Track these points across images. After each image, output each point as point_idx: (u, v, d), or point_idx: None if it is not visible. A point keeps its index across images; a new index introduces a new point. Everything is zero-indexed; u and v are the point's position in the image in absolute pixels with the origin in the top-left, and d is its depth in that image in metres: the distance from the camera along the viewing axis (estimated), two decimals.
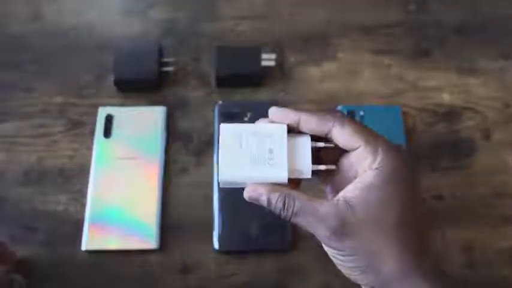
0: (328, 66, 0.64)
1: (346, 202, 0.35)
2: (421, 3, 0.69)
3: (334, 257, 0.36)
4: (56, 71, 0.64)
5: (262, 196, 0.36)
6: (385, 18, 0.68)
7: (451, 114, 0.61)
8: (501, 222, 0.56)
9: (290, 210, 0.36)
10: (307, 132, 0.37)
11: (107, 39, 0.66)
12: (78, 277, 0.53)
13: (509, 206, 0.56)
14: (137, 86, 0.62)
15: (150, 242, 0.54)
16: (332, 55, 0.65)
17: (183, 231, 0.55)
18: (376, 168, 0.35)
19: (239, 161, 0.36)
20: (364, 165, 0.35)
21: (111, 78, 0.61)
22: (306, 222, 0.35)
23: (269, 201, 0.36)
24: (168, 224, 0.55)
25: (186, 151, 0.59)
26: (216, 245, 0.54)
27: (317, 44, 0.66)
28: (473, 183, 0.58)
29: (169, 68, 0.62)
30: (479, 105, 0.62)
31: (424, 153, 0.59)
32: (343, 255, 0.35)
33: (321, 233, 0.35)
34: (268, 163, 0.36)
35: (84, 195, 0.56)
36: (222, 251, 0.54)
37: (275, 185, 0.36)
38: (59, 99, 0.62)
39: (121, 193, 0.56)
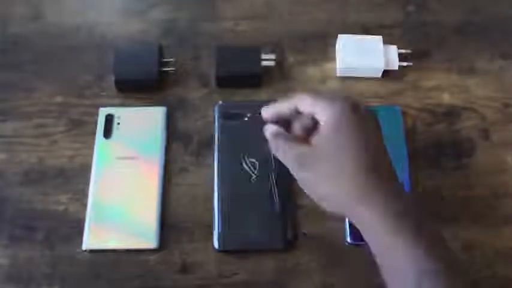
0: (328, 66, 0.64)
1: (311, 143, 0.45)
2: (420, 3, 0.69)
3: (304, 187, 0.45)
4: (56, 71, 0.64)
5: (266, 132, 0.48)
6: (385, 18, 0.68)
7: (450, 114, 0.61)
8: (501, 222, 0.56)
9: (273, 144, 0.47)
10: (286, 116, 0.48)
11: (107, 39, 0.66)
12: (78, 277, 0.53)
13: (509, 206, 0.57)
14: (137, 86, 0.62)
15: (150, 241, 0.54)
16: (332, 55, 0.65)
17: (183, 231, 0.55)
18: (328, 117, 0.44)
19: None
20: (321, 122, 0.44)
21: (111, 78, 0.61)
22: (281, 156, 0.46)
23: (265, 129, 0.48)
24: (168, 224, 0.55)
25: (186, 151, 0.59)
26: (216, 245, 0.54)
27: (317, 44, 0.66)
28: (473, 183, 0.58)
29: (169, 68, 0.62)
30: (479, 105, 0.62)
31: (424, 153, 0.59)
32: (307, 184, 0.45)
33: (288, 164, 0.46)
34: None
35: (84, 195, 0.56)
36: (222, 251, 0.54)
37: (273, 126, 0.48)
38: (59, 99, 0.62)
39: (121, 193, 0.56)
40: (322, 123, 0.44)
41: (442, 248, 0.41)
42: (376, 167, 0.43)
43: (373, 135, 0.44)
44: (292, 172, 0.46)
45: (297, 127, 0.47)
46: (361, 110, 0.44)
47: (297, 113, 0.47)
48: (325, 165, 0.43)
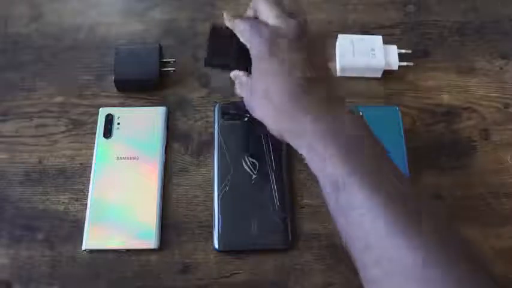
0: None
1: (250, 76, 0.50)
2: (420, 3, 0.69)
3: (253, 113, 0.50)
4: (56, 71, 0.64)
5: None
6: (385, 18, 0.68)
7: (450, 114, 0.62)
8: (501, 222, 0.56)
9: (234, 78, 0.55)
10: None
11: (107, 39, 0.66)
12: (78, 277, 0.53)
13: (509, 206, 0.57)
14: (137, 86, 0.62)
15: (150, 242, 0.54)
16: (332, 55, 0.65)
17: (183, 231, 0.55)
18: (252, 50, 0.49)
19: None
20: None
21: (111, 78, 0.61)
22: (238, 91, 0.53)
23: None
24: (168, 224, 0.55)
25: (186, 151, 0.59)
26: (216, 245, 0.54)
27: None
28: (473, 183, 0.58)
29: (169, 68, 0.62)
30: (478, 105, 0.62)
31: (424, 153, 0.59)
32: (255, 112, 0.49)
33: (241, 94, 0.53)
34: None
35: (84, 195, 0.56)
36: (222, 251, 0.54)
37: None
38: (59, 99, 0.62)
39: (121, 193, 0.56)
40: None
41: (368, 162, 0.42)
42: (305, 91, 0.46)
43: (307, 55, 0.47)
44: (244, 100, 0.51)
45: None
46: (303, 37, 0.48)
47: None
48: (257, 91, 0.48)
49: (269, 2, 0.50)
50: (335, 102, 0.46)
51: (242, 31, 0.50)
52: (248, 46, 0.49)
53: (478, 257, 0.39)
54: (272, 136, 0.49)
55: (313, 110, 0.45)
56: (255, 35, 0.48)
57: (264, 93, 0.47)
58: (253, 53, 0.49)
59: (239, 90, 0.53)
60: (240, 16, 0.53)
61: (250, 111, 0.50)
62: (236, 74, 0.54)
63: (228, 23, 0.53)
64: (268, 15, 0.49)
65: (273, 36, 0.47)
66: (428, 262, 0.36)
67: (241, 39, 0.51)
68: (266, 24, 0.49)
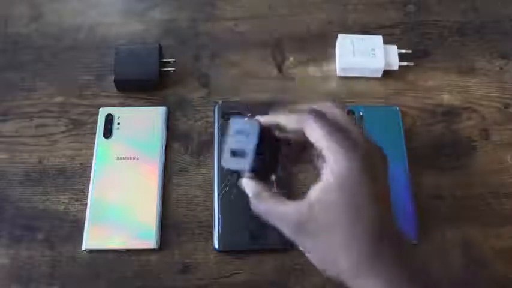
0: (328, 66, 0.64)
1: (310, 204, 0.38)
2: (420, 3, 0.69)
3: (303, 252, 0.40)
4: (56, 71, 0.64)
5: (247, 189, 0.42)
6: (385, 18, 0.68)
7: (450, 114, 0.62)
8: (501, 222, 0.56)
9: (259, 208, 0.41)
10: (287, 131, 0.41)
11: (107, 39, 0.66)
12: (78, 277, 0.53)
13: (509, 206, 0.57)
14: (137, 86, 0.62)
15: (150, 242, 0.54)
16: (332, 55, 0.65)
17: (183, 231, 0.55)
18: (333, 172, 0.37)
19: None
20: (325, 167, 0.38)
21: (111, 78, 0.61)
22: (273, 221, 0.40)
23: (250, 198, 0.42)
24: (168, 224, 0.55)
25: (186, 151, 0.59)
26: (216, 245, 0.54)
27: (317, 44, 0.66)
28: (473, 183, 0.58)
29: (169, 68, 0.62)
30: (478, 105, 0.62)
31: (424, 154, 0.59)
32: (306, 252, 0.40)
33: (286, 231, 0.39)
34: None
35: (84, 195, 0.56)
36: (222, 251, 0.54)
37: (254, 183, 0.42)
38: (59, 99, 0.62)
39: (121, 193, 0.56)
40: (327, 170, 0.38)
41: None
42: (383, 234, 0.38)
43: (383, 197, 0.39)
44: (287, 234, 0.40)
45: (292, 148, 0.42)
46: (375, 159, 0.39)
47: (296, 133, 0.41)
48: (328, 231, 0.38)
49: (323, 122, 0.39)
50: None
51: (325, 140, 0.38)
52: (326, 158, 0.38)
53: None
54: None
55: (399, 271, 0.38)
56: (347, 145, 0.38)
57: (346, 237, 0.37)
58: (335, 168, 0.38)
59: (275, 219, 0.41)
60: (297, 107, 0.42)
61: (306, 249, 0.40)
62: (258, 190, 0.41)
63: (285, 118, 0.41)
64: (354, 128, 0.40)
65: (370, 155, 0.38)
66: None
67: (313, 141, 0.39)
68: (351, 136, 0.39)
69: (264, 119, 0.42)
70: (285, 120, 0.41)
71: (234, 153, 0.42)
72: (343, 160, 0.37)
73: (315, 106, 0.41)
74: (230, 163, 0.42)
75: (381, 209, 0.38)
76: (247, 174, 0.42)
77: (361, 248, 0.37)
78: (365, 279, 0.37)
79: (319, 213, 0.38)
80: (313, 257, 0.39)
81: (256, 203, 0.41)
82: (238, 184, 0.43)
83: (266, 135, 0.42)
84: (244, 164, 0.41)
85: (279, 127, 0.41)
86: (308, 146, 0.40)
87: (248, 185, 0.42)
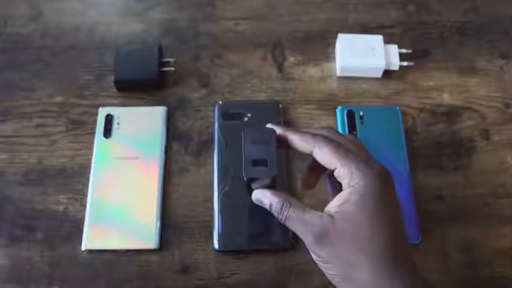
0: (328, 66, 0.64)
1: (329, 215, 0.40)
2: (421, 3, 0.69)
3: (318, 263, 0.42)
4: (56, 71, 0.64)
5: (266, 199, 0.44)
6: (385, 18, 0.68)
7: (450, 114, 0.61)
8: (501, 222, 0.56)
9: (284, 214, 0.42)
10: (293, 148, 0.44)
11: (107, 39, 0.66)
12: (78, 277, 0.53)
13: (509, 206, 0.56)
14: (137, 86, 0.62)
15: (150, 242, 0.54)
16: (332, 55, 0.65)
17: (183, 231, 0.55)
18: (351, 186, 0.40)
19: None
20: (343, 184, 0.41)
21: (111, 78, 0.61)
22: (295, 227, 0.42)
23: (270, 204, 0.43)
24: (168, 224, 0.55)
25: (186, 151, 0.59)
26: (216, 245, 0.54)
27: (317, 44, 0.66)
28: (473, 183, 0.58)
29: (169, 68, 0.62)
30: (479, 105, 0.62)
31: (424, 153, 0.59)
32: (323, 262, 0.41)
33: (306, 238, 0.41)
34: None
35: (84, 195, 0.56)
36: (222, 251, 0.54)
37: (278, 192, 0.44)
38: (59, 99, 0.62)
39: (121, 193, 0.56)
40: (346, 188, 0.40)
41: None
42: (399, 248, 0.40)
43: (399, 218, 0.41)
44: (307, 242, 0.41)
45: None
46: (385, 176, 0.41)
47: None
48: (349, 244, 0.39)
49: (336, 147, 0.42)
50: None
51: (331, 155, 0.41)
52: (342, 176, 0.41)
53: None
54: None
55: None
56: (362, 166, 0.40)
57: (365, 254, 0.39)
58: (354, 185, 0.40)
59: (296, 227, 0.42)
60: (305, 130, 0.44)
61: (322, 261, 0.41)
62: (279, 206, 0.43)
63: (298, 138, 0.43)
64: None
65: (382, 172, 0.41)
66: None
67: (326, 164, 0.42)
68: (361, 155, 0.42)
69: (276, 130, 0.44)
70: (294, 138, 0.43)
71: (256, 163, 0.43)
72: (361, 178, 0.40)
73: (320, 131, 0.44)
74: (253, 172, 0.43)
75: (398, 224, 0.41)
76: (267, 181, 0.44)
77: (379, 261, 0.39)
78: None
79: (341, 226, 0.40)
80: (330, 267, 0.41)
81: (283, 208, 0.42)
82: (255, 197, 0.45)
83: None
84: (268, 172, 0.43)
85: (288, 143, 0.44)
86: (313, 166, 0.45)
87: (267, 194, 0.44)
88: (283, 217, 0.42)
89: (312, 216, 0.41)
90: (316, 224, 0.40)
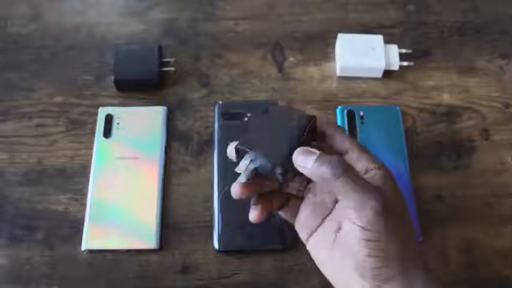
0: (328, 66, 0.64)
1: (379, 187, 0.38)
2: (421, 3, 0.69)
3: (366, 248, 0.37)
4: (56, 71, 0.64)
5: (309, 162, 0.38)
6: (385, 18, 0.68)
7: (450, 114, 0.61)
8: (501, 222, 0.56)
9: (343, 167, 0.37)
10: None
11: (107, 39, 0.66)
12: (78, 277, 0.53)
13: (509, 206, 0.56)
14: (137, 86, 0.62)
15: (150, 242, 0.54)
16: (332, 55, 0.65)
17: (183, 231, 0.55)
18: (379, 168, 0.39)
19: None
20: (364, 166, 0.40)
21: (111, 78, 0.61)
22: (356, 189, 0.37)
23: (320, 160, 0.37)
24: (168, 224, 0.55)
25: (186, 151, 0.59)
26: (216, 245, 0.54)
27: (317, 44, 0.66)
28: (473, 183, 0.58)
29: (169, 68, 0.62)
30: (479, 105, 0.62)
31: (424, 153, 0.59)
32: (378, 239, 0.36)
33: (368, 204, 0.36)
34: None
35: (84, 195, 0.56)
36: (222, 251, 0.54)
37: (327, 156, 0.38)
38: (59, 99, 0.62)
39: (121, 193, 0.56)
40: (375, 169, 0.39)
41: None
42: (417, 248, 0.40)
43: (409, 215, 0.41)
44: (367, 215, 0.37)
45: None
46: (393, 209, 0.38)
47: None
48: (401, 219, 0.39)
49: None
50: None
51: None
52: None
53: None
54: None
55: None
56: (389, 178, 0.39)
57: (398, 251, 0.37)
58: (384, 170, 0.39)
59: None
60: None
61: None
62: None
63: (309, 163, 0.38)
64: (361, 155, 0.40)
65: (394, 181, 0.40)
66: None
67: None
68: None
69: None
70: (305, 163, 0.38)
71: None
72: (382, 164, 0.39)
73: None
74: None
75: (412, 227, 0.40)
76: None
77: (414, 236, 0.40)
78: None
79: (392, 199, 0.38)
80: (382, 244, 0.37)
81: (341, 162, 0.37)
82: (296, 155, 0.39)
83: None
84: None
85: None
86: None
87: (311, 153, 0.38)
88: (339, 171, 0.37)
89: (369, 184, 0.37)
90: (377, 193, 0.37)
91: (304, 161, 0.38)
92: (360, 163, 0.40)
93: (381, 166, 0.40)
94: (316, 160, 0.37)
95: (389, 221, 0.37)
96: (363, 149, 0.41)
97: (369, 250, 0.37)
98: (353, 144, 0.40)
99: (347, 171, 0.37)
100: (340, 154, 0.40)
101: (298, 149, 0.39)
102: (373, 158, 0.40)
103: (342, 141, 0.41)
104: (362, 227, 0.36)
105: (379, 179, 0.39)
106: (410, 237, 0.39)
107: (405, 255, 0.37)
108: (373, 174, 0.39)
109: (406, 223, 0.39)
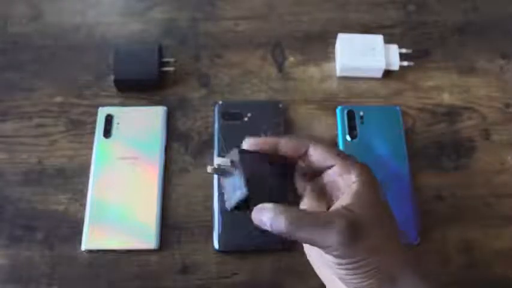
0: (328, 66, 0.64)
1: (346, 208, 0.37)
2: (421, 3, 0.69)
3: (342, 269, 0.37)
4: (56, 71, 0.64)
5: (264, 218, 0.38)
6: (385, 18, 0.68)
7: (451, 114, 0.61)
8: (501, 222, 0.56)
9: (292, 226, 0.36)
10: (285, 154, 0.41)
11: (107, 39, 0.66)
12: (78, 277, 0.53)
13: (509, 206, 0.56)
14: (137, 86, 0.62)
15: (150, 242, 0.54)
16: (332, 55, 0.65)
17: (183, 231, 0.55)
18: (359, 179, 0.39)
19: None
20: (345, 180, 0.39)
21: (111, 78, 0.61)
22: (311, 234, 0.36)
23: (271, 224, 0.37)
24: (168, 224, 0.55)
25: (186, 151, 0.59)
26: (216, 245, 0.54)
27: (317, 44, 0.66)
28: (473, 183, 0.58)
29: (169, 68, 0.62)
30: (479, 105, 0.62)
31: (424, 154, 0.59)
32: (354, 262, 0.36)
33: (331, 240, 0.36)
34: None
35: (84, 195, 0.56)
36: (222, 251, 0.54)
37: (275, 206, 0.38)
38: (59, 99, 0.62)
39: (121, 193, 0.56)
40: (352, 183, 0.39)
41: None
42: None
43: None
44: (335, 249, 0.36)
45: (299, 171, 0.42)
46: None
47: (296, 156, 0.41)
48: (380, 236, 0.37)
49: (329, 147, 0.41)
50: None
51: (327, 152, 0.40)
52: (345, 170, 0.39)
53: None
54: None
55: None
56: (357, 162, 0.40)
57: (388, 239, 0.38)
58: (360, 177, 0.39)
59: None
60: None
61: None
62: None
63: (289, 142, 0.41)
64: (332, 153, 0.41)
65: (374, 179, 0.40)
66: None
67: (321, 162, 0.40)
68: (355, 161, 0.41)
69: (263, 141, 0.41)
70: (286, 141, 0.41)
71: (230, 191, 0.39)
72: (363, 170, 0.39)
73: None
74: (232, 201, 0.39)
75: (394, 229, 0.40)
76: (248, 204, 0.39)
77: (400, 245, 0.39)
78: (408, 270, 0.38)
79: (361, 214, 0.37)
80: (367, 263, 0.37)
81: (286, 220, 0.37)
82: (253, 218, 0.39)
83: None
84: (240, 194, 0.38)
85: (277, 150, 0.41)
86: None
87: (265, 209, 0.38)
88: (290, 229, 0.36)
89: (328, 215, 0.37)
90: (338, 220, 0.36)
91: (261, 221, 0.38)
92: (342, 177, 0.40)
93: (359, 174, 0.39)
94: (271, 218, 0.37)
95: (361, 240, 0.36)
96: (344, 161, 0.40)
97: (345, 271, 0.37)
98: (335, 158, 0.40)
99: (297, 223, 0.36)
100: (326, 168, 0.41)
101: (254, 209, 0.38)
102: (352, 169, 0.39)
103: (325, 159, 0.40)
104: (333, 256, 0.37)
105: (354, 194, 0.38)
106: (392, 244, 0.38)
107: (388, 266, 0.37)
108: (350, 189, 0.39)
109: (385, 228, 0.38)
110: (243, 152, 0.39)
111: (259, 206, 0.38)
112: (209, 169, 0.38)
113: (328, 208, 0.40)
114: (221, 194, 0.54)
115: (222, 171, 0.39)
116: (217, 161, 0.38)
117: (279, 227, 0.37)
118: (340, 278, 0.38)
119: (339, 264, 0.37)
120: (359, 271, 0.37)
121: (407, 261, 0.38)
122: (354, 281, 0.37)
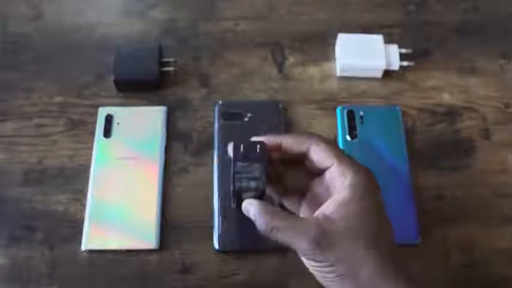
0: (328, 66, 0.64)
1: (326, 216, 0.39)
2: (421, 3, 0.69)
3: (315, 269, 0.40)
4: (56, 71, 0.64)
5: (251, 210, 0.42)
6: (385, 18, 0.68)
7: (451, 114, 0.61)
8: (501, 222, 0.56)
9: (269, 226, 0.40)
10: (288, 152, 0.43)
11: (107, 39, 0.66)
12: (78, 277, 0.53)
13: (509, 206, 0.56)
14: (137, 86, 0.62)
15: (150, 242, 0.54)
16: (332, 55, 0.65)
17: (183, 231, 0.55)
18: (350, 185, 0.39)
19: None
20: (338, 183, 0.40)
21: (111, 78, 0.61)
22: (285, 237, 0.39)
23: (254, 219, 0.41)
24: (168, 224, 0.55)
25: (186, 151, 0.59)
26: (216, 245, 0.54)
27: (317, 44, 0.66)
28: (473, 183, 0.58)
29: (169, 68, 0.62)
30: (479, 105, 0.62)
31: (424, 154, 0.59)
32: (324, 266, 0.39)
33: (303, 245, 0.39)
34: None
35: (84, 195, 0.56)
36: (222, 251, 0.54)
37: (264, 203, 0.42)
38: (59, 99, 0.62)
39: (121, 193, 0.56)
40: (343, 188, 0.40)
41: None
42: (393, 241, 0.41)
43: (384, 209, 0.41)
44: (303, 249, 0.39)
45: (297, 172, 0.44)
46: (371, 175, 0.41)
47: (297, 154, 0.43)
48: (355, 245, 0.38)
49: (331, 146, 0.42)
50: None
51: (327, 152, 0.41)
52: (339, 173, 0.41)
53: None
54: None
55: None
56: (356, 164, 0.41)
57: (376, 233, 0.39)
58: (352, 182, 0.40)
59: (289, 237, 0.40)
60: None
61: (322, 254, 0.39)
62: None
63: (291, 139, 0.43)
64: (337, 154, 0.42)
65: (370, 171, 0.41)
66: None
67: (322, 162, 0.42)
68: (356, 163, 0.42)
69: (266, 139, 0.43)
70: (288, 139, 0.43)
71: (247, 177, 0.42)
72: (358, 175, 0.40)
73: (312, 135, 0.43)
74: (242, 185, 0.42)
75: (388, 220, 0.41)
76: (251, 195, 0.43)
77: (386, 254, 0.39)
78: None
79: (345, 224, 0.39)
80: (331, 270, 0.39)
81: (268, 220, 0.40)
82: (243, 208, 0.43)
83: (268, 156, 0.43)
84: (257, 185, 0.42)
85: (279, 148, 0.43)
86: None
87: (254, 204, 0.42)
88: (269, 229, 0.40)
89: (304, 222, 0.40)
90: (312, 229, 0.38)
91: (249, 214, 0.42)
92: (338, 180, 0.41)
93: (352, 179, 0.40)
94: (253, 215, 0.42)
95: (331, 249, 0.38)
96: (341, 164, 0.41)
97: (317, 273, 0.40)
98: (333, 159, 0.41)
99: (274, 223, 0.40)
100: (326, 169, 0.42)
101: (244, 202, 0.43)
102: (347, 173, 0.40)
103: (324, 159, 0.42)
104: (306, 258, 0.40)
105: (341, 202, 0.39)
106: (371, 253, 0.39)
107: (363, 273, 0.38)
108: (339, 194, 0.40)
109: (368, 238, 0.39)
110: (263, 146, 0.42)
111: (248, 200, 0.42)
112: (230, 148, 0.42)
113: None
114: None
115: (242, 156, 0.42)
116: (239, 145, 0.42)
117: (259, 226, 0.41)
118: (317, 278, 0.41)
119: (312, 266, 0.40)
120: (329, 276, 0.39)
121: (388, 270, 0.39)
122: (326, 283, 0.40)
